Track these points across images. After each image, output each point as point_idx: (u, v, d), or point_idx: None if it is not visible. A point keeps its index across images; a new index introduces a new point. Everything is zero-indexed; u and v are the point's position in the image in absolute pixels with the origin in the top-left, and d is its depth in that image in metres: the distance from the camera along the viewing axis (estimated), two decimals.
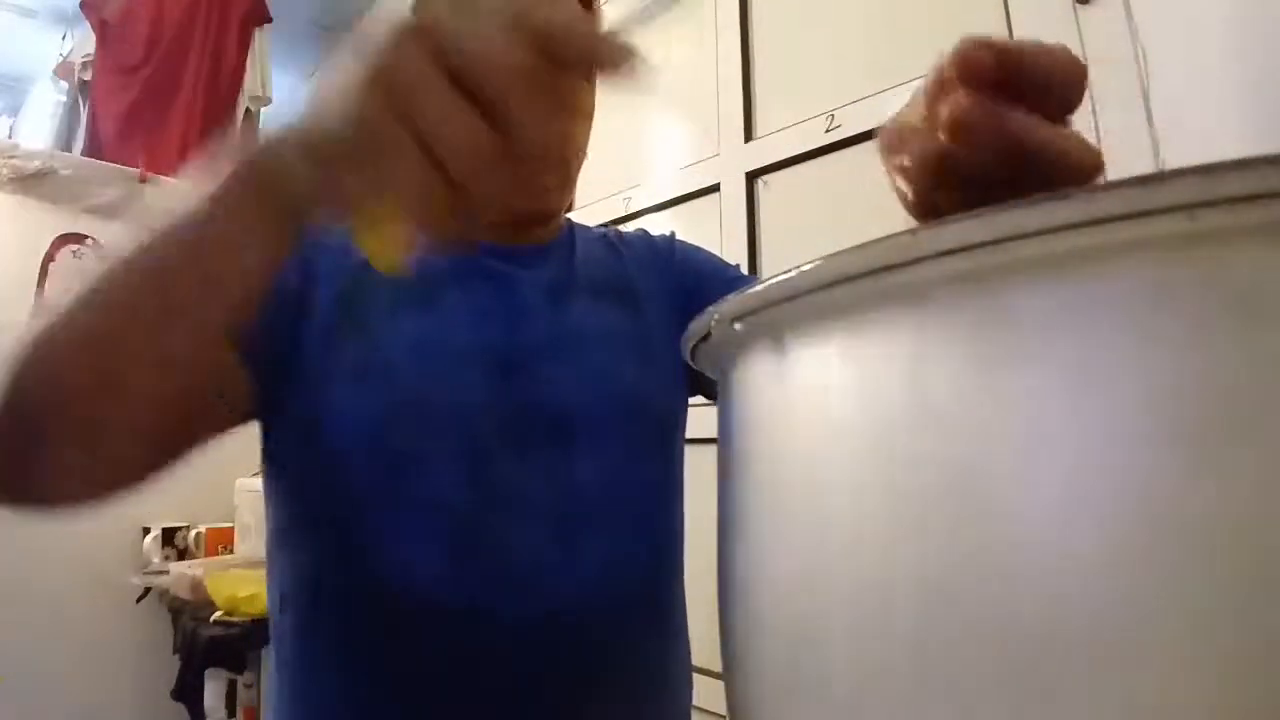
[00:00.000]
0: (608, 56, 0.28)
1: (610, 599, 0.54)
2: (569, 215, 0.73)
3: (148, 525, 2.12)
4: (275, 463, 0.56)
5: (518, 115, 0.27)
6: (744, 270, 1.21)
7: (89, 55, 2.71)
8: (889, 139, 0.31)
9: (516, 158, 0.28)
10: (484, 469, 0.53)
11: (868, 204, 1.05)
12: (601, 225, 0.77)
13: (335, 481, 0.52)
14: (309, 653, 0.54)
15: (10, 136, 3.45)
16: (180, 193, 0.34)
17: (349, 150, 0.27)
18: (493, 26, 0.27)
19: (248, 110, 2.84)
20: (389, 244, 0.28)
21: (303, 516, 0.55)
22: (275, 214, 0.32)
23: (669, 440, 0.64)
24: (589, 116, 0.65)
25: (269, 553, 0.58)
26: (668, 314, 0.66)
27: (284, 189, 0.31)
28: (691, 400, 0.71)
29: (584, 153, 0.65)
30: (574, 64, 0.28)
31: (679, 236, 0.75)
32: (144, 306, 0.35)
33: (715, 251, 0.75)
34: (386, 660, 0.51)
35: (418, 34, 0.27)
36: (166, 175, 2.39)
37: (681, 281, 0.68)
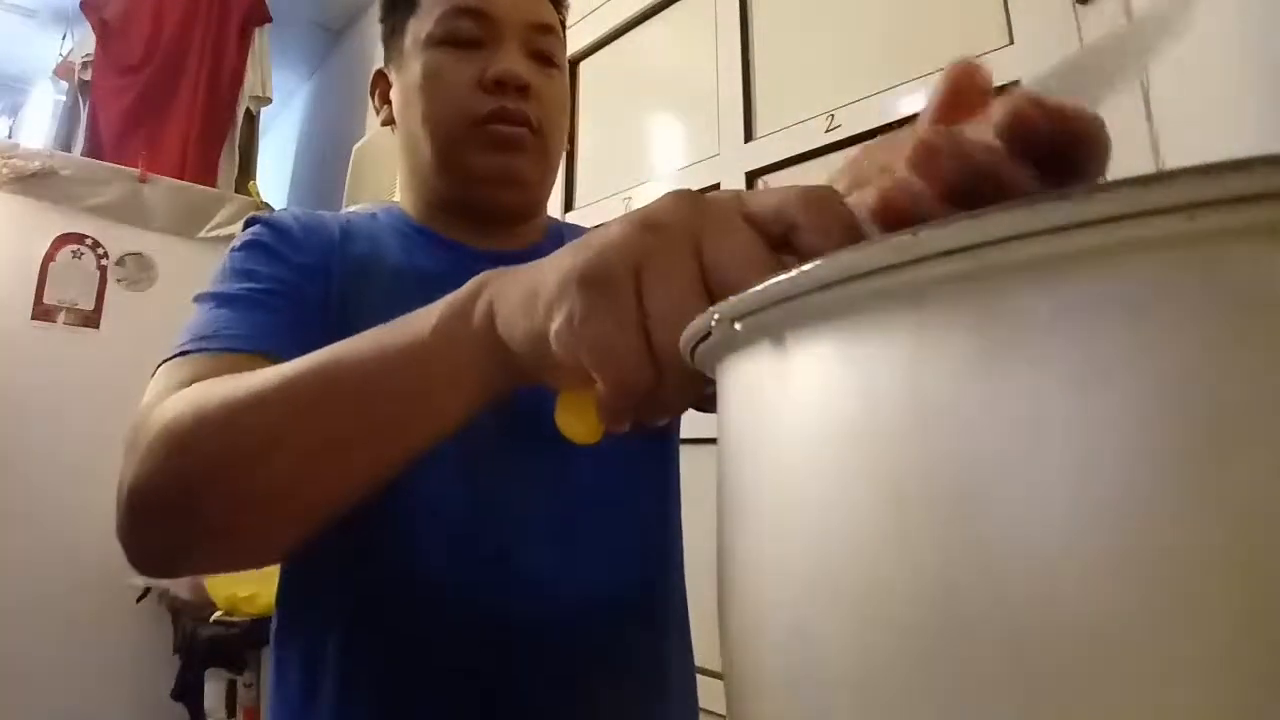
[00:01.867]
0: None
1: (611, 598, 0.55)
2: (562, 219, 0.74)
3: None
4: None
5: None
6: None
7: (89, 55, 2.72)
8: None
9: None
10: (483, 473, 0.53)
11: None
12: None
13: None
14: (308, 653, 0.54)
15: (10, 136, 3.45)
16: (407, 317, 0.35)
17: (574, 338, 0.26)
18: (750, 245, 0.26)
19: (248, 110, 2.84)
20: (583, 421, 0.28)
21: None
22: (489, 363, 0.32)
23: (665, 441, 0.64)
24: (565, 108, 0.66)
25: None
26: None
27: (502, 347, 0.31)
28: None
29: (563, 145, 0.66)
30: None
31: None
32: (343, 415, 0.35)
33: None
34: (386, 661, 0.51)
35: (691, 219, 0.26)
36: (166, 175, 2.39)
37: None
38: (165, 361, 0.47)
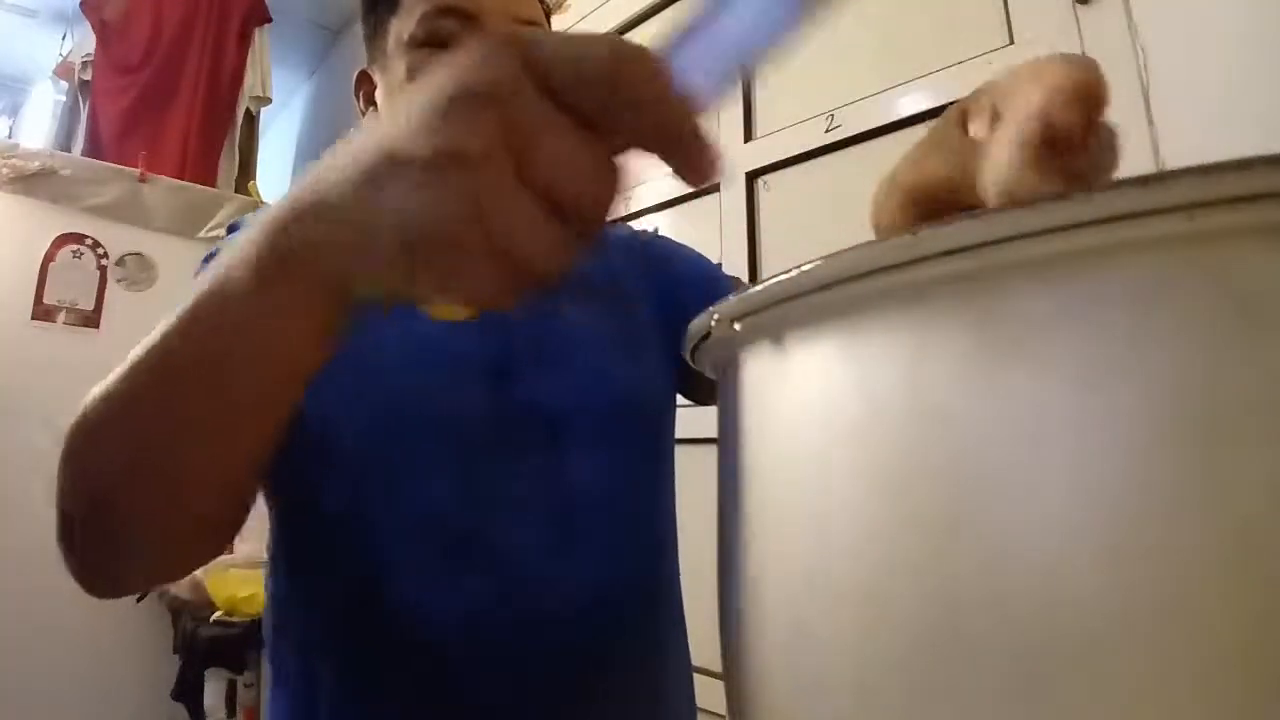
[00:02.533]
0: (689, 142, 0.22)
1: (608, 601, 0.54)
2: None
3: None
4: (271, 466, 0.55)
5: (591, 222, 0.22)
6: (743, 270, 1.21)
7: (89, 55, 2.71)
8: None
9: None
10: (477, 477, 0.52)
11: (868, 204, 1.06)
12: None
13: (328, 490, 0.52)
14: (302, 657, 0.54)
15: (10, 136, 3.45)
16: (215, 266, 0.29)
17: (399, 227, 0.21)
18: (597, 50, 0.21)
19: (248, 110, 2.84)
20: (447, 306, 0.25)
21: (297, 524, 0.55)
22: (316, 291, 0.26)
23: (661, 439, 0.64)
24: None
25: (270, 556, 0.58)
26: (654, 312, 0.65)
27: (320, 267, 0.25)
28: (687, 401, 0.71)
29: None
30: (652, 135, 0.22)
31: (675, 236, 0.75)
32: (192, 394, 0.30)
33: (715, 252, 0.75)
34: (382, 668, 0.51)
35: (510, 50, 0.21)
36: (166, 175, 2.39)
37: (664, 278, 0.68)
38: None
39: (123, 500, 0.34)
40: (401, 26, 0.59)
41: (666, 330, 0.65)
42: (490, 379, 0.54)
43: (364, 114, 0.67)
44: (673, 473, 0.65)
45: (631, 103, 0.21)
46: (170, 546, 0.38)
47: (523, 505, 0.53)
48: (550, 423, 0.55)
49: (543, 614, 0.51)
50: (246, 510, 0.42)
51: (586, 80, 0.21)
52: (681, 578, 0.66)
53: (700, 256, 0.73)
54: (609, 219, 0.23)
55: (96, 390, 0.34)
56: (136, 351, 0.32)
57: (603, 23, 1.64)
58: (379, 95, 0.64)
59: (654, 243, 0.72)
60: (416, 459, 0.51)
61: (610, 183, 0.22)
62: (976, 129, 0.30)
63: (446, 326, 0.55)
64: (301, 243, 0.25)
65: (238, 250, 0.27)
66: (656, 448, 0.63)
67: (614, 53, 0.21)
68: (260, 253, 0.26)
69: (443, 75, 0.22)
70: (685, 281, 0.67)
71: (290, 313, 0.27)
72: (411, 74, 0.58)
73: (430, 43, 0.58)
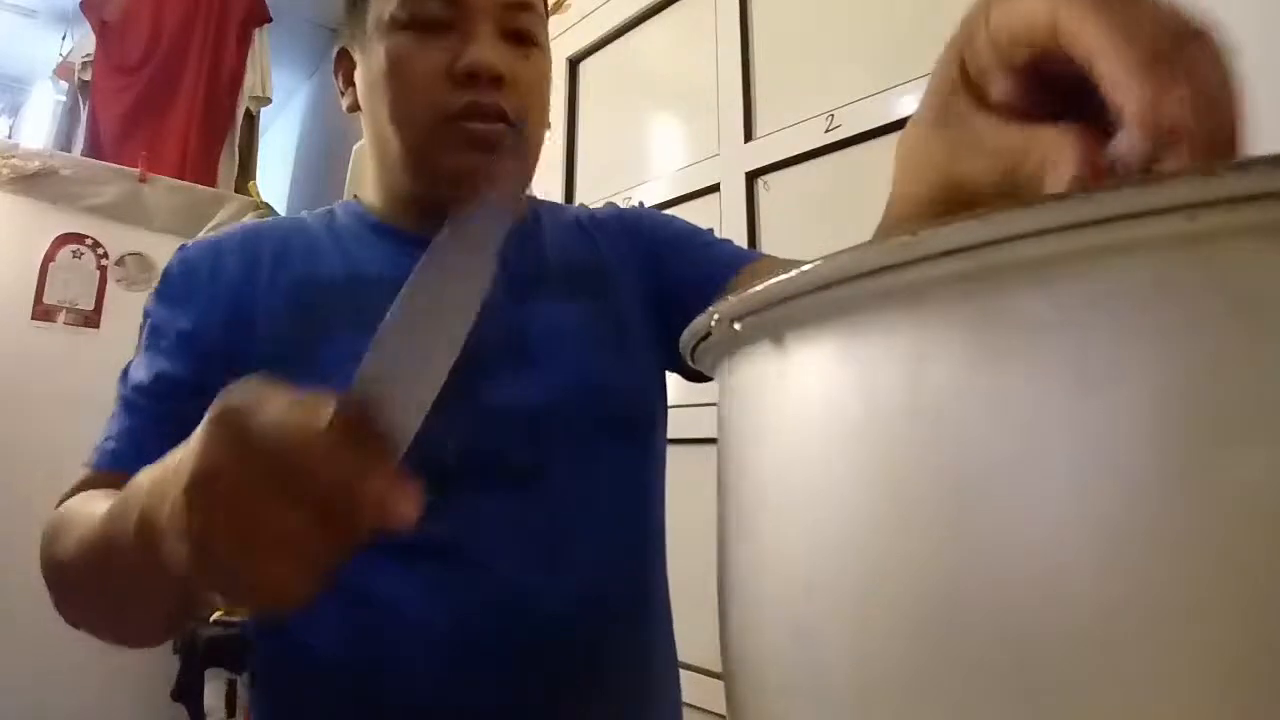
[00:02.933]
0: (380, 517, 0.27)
1: (595, 609, 0.53)
2: (543, 200, 0.69)
3: None
4: None
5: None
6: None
7: (89, 55, 2.71)
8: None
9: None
10: (453, 495, 0.49)
11: (868, 204, 1.06)
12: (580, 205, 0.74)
13: None
14: (287, 678, 0.53)
15: (10, 136, 3.45)
16: (121, 508, 0.37)
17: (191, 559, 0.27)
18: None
19: (248, 110, 2.84)
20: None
21: None
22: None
23: (648, 435, 0.61)
24: (546, 91, 0.60)
25: None
26: (639, 292, 0.63)
27: (164, 557, 0.30)
28: (689, 399, 0.70)
29: (545, 129, 0.60)
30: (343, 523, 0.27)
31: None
32: (120, 590, 0.41)
33: None
34: (369, 691, 0.50)
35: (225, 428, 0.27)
36: (166, 175, 2.39)
37: (652, 249, 0.65)
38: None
39: (82, 622, 0.48)
40: (382, 5, 0.55)
41: (653, 309, 0.62)
42: (458, 385, 0.52)
43: (343, 94, 0.64)
44: (662, 470, 0.63)
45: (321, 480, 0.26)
46: (126, 642, 0.50)
47: (505, 522, 0.51)
48: (527, 428, 0.53)
49: (531, 631, 0.50)
50: (192, 615, 0.50)
51: (294, 469, 0.26)
52: (682, 578, 0.65)
53: (688, 225, 0.69)
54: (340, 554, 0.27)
55: (58, 533, 0.48)
56: (81, 533, 0.43)
57: (603, 23, 1.64)
58: (358, 76, 0.60)
59: (639, 215, 0.70)
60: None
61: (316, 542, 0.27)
62: (1001, 90, 0.23)
63: None
64: (149, 530, 0.31)
65: (126, 506, 0.35)
66: (644, 447, 0.61)
67: (304, 444, 0.26)
68: (132, 526, 0.33)
69: (186, 459, 0.28)
70: (674, 249, 0.65)
71: (162, 570, 0.31)
72: (391, 57, 0.54)
73: (413, 25, 0.54)
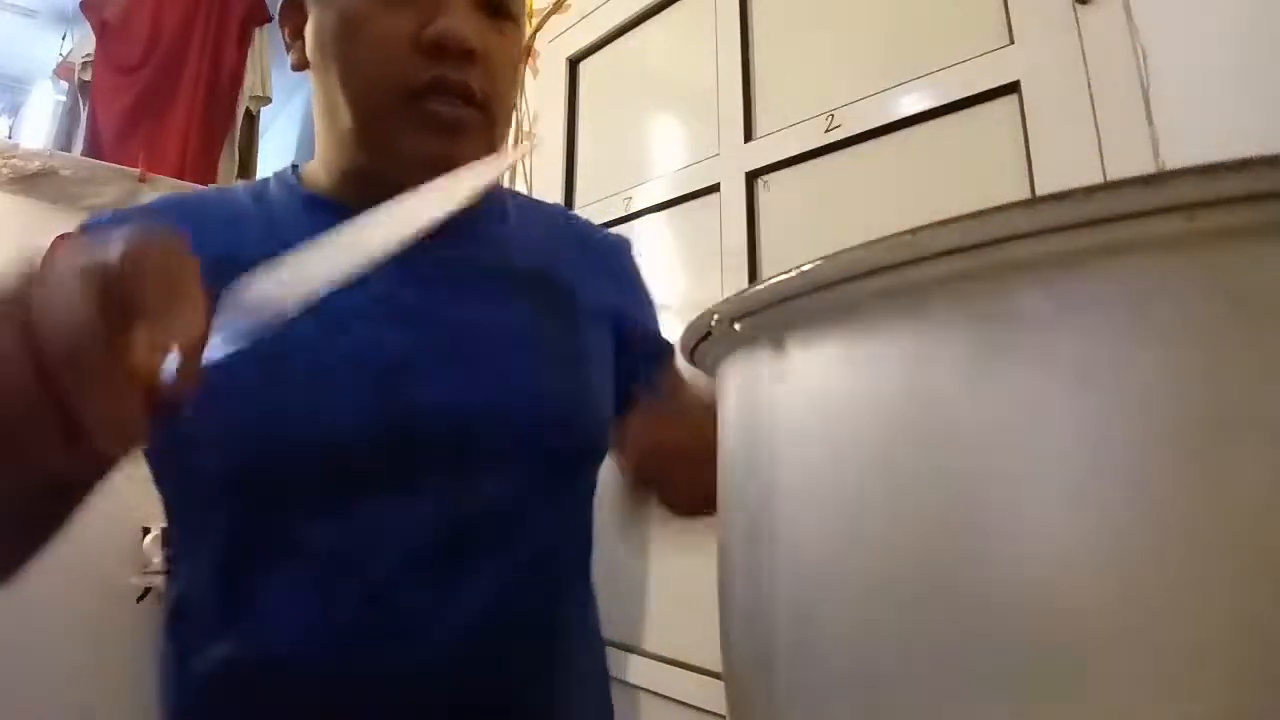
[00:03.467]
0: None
1: (493, 647, 0.47)
2: (518, 194, 0.64)
3: (148, 525, 2.12)
4: (155, 482, 0.49)
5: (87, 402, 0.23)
6: (743, 270, 1.21)
7: (89, 55, 2.71)
8: None
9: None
10: (356, 502, 0.45)
11: (868, 204, 1.06)
12: (604, 223, 0.72)
13: (198, 517, 0.46)
14: (183, 689, 0.48)
15: (10, 136, 3.45)
16: None
17: None
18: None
19: (248, 110, 2.84)
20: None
21: (183, 544, 0.49)
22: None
23: (586, 466, 0.55)
24: (517, 71, 0.53)
25: (167, 568, 0.52)
26: (604, 328, 0.57)
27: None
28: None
29: (512, 112, 0.54)
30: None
31: (675, 236, 0.69)
32: None
33: (715, 252, 0.73)
34: (257, 698, 0.45)
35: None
36: (166, 175, 2.39)
37: (622, 301, 0.60)
38: None
39: None
40: None
41: (611, 339, 0.57)
42: (370, 382, 0.46)
43: (289, 48, 0.55)
44: (594, 493, 0.57)
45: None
46: None
47: (407, 537, 0.46)
48: (446, 437, 0.47)
49: (415, 664, 0.45)
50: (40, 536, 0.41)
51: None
52: (682, 578, 0.64)
53: (650, 293, 0.64)
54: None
55: None
56: None
57: (602, 23, 1.64)
58: (309, 30, 0.52)
59: (628, 254, 0.65)
60: (286, 485, 0.45)
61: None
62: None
63: (320, 318, 0.42)
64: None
65: None
66: (580, 469, 0.54)
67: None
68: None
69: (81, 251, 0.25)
70: (634, 316, 0.60)
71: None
72: (349, 15, 0.48)
73: None
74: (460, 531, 0.47)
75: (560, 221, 0.63)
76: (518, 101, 0.54)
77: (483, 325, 0.50)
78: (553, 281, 0.56)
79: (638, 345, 0.60)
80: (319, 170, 0.55)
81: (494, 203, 0.58)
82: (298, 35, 0.54)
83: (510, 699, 0.47)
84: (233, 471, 0.44)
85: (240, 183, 0.58)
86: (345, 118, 0.50)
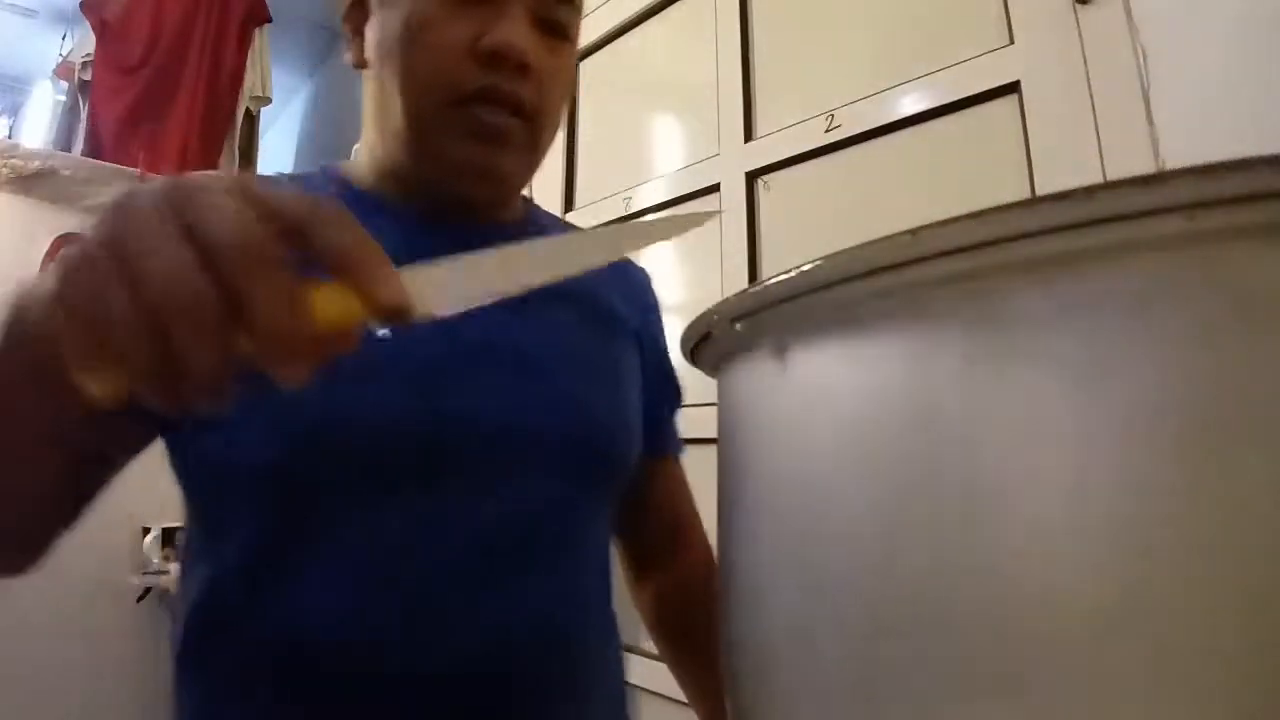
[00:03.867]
0: (366, 266, 0.23)
1: (514, 655, 0.47)
2: (562, 219, 0.66)
3: (148, 525, 2.12)
4: (179, 475, 0.50)
5: (250, 288, 0.22)
6: (743, 270, 1.21)
7: (89, 55, 2.71)
8: None
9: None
10: (390, 501, 0.46)
11: (868, 204, 1.06)
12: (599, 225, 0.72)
13: (235, 509, 0.46)
14: (207, 684, 0.48)
15: (10, 136, 3.45)
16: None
17: (64, 306, 0.22)
18: (234, 199, 0.23)
19: (248, 110, 2.84)
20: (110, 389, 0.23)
21: (206, 539, 0.49)
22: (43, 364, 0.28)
23: (614, 482, 0.55)
24: (568, 91, 0.54)
25: (182, 564, 0.52)
26: (635, 352, 0.58)
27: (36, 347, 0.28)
28: (690, 399, 0.70)
29: (557, 130, 0.55)
30: (323, 256, 0.24)
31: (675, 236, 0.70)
32: None
33: (715, 252, 0.73)
34: (291, 694, 0.45)
35: (154, 194, 0.23)
36: (166, 175, 2.39)
37: (650, 333, 0.61)
38: None
39: None
40: None
41: (642, 380, 0.59)
42: (415, 386, 0.47)
43: (348, 45, 0.56)
44: (614, 508, 0.57)
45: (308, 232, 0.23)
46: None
47: (441, 538, 0.46)
48: (485, 444, 0.47)
49: (443, 653, 0.45)
50: (70, 513, 0.44)
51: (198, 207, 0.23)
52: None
53: (664, 333, 0.66)
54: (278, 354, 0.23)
55: None
56: None
57: (603, 23, 1.64)
58: (370, 29, 0.53)
59: (649, 285, 0.66)
60: (328, 480, 0.46)
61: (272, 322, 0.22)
62: None
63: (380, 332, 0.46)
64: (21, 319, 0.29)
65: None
66: (608, 484, 0.54)
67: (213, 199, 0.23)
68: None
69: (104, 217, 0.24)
70: (658, 334, 0.62)
71: (24, 377, 0.30)
72: (413, 19, 0.49)
73: None
74: (489, 539, 0.47)
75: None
76: (562, 119, 0.55)
77: (523, 336, 0.51)
78: (593, 298, 0.57)
79: (655, 384, 0.62)
80: (365, 168, 0.56)
81: (534, 219, 0.60)
82: (358, 33, 0.55)
83: (532, 710, 0.47)
84: (271, 463, 0.45)
85: (285, 174, 0.58)
86: (396, 119, 0.51)
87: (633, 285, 0.64)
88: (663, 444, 0.65)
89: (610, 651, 0.56)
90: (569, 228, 0.68)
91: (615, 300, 0.59)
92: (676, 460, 0.67)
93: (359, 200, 0.53)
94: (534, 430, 0.49)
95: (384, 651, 0.44)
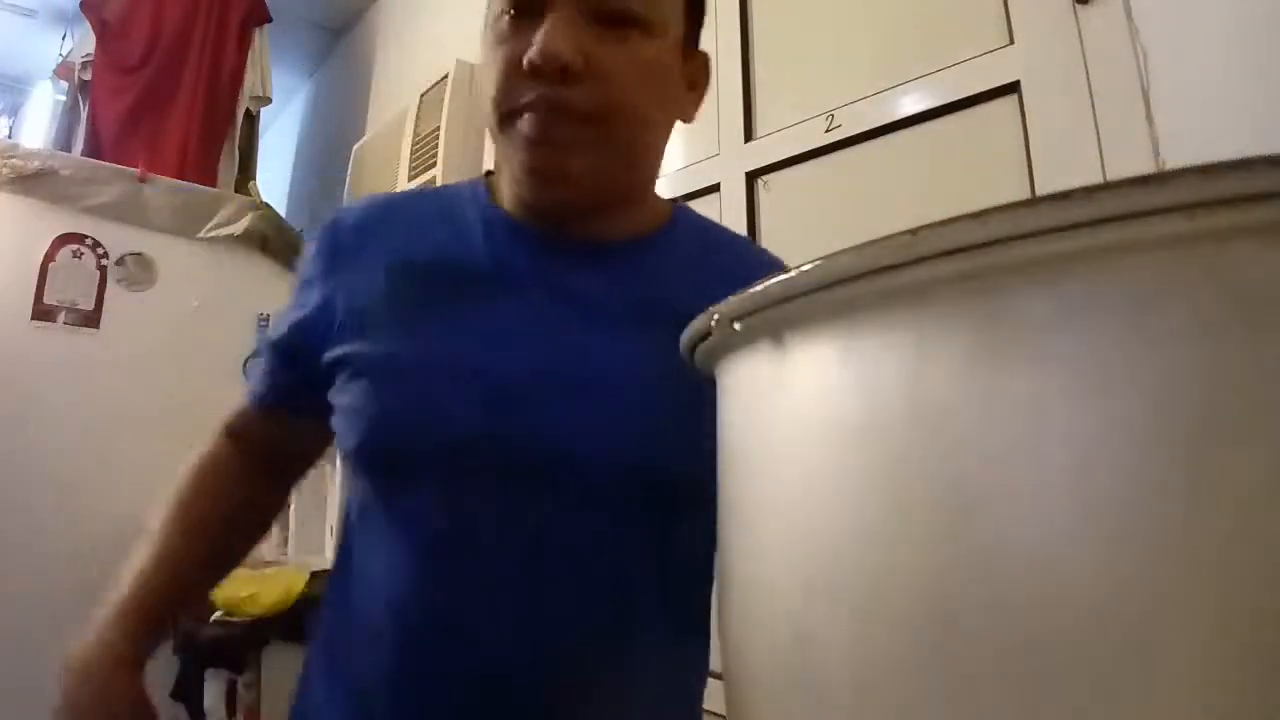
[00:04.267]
0: None
1: (545, 665, 0.48)
2: (699, 217, 0.63)
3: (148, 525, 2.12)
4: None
5: None
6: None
7: (89, 55, 2.71)
8: None
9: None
10: (461, 495, 0.48)
11: (868, 204, 1.06)
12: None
13: (350, 474, 0.54)
14: (318, 638, 0.57)
15: (10, 136, 3.45)
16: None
17: None
18: None
19: (248, 110, 2.84)
20: None
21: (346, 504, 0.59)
22: None
23: (680, 511, 0.51)
24: (643, 78, 0.50)
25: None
26: None
27: None
28: None
29: (646, 120, 0.52)
30: None
31: None
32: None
33: None
34: (343, 668, 0.52)
35: None
36: (166, 175, 2.39)
37: None
38: None
39: None
40: None
41: None
42: (496, 399, 0.49)
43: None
44: (696, 546, 0.51)
45: None
46: None
47: (495, 541, 0.48)
48: (544, 462, 0.48)
49: (488, 654, 0.48)
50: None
51: None
52: None
53: None
54: None
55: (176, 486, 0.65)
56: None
57: None
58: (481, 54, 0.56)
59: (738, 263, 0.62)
60: (411, 461, 0.50)
61: None
62: None
63: (469, 332, 0.50)
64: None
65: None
66: (671, 512, 0.51)
67: None
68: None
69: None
70: None
71: None
72: (487, 46, 0.52)
73: (508, 10, 0.49)
74: (544, 550, 0.48)
75: (729, 256, 0.61)
76: (654, 108, 0.52)
77: (600, 357, 0.51)
78: (685, 320, 0.52)
79: None
80: (499, 181, 0.58)
81: (673, 231, 0.59)
82: None
83: (578, 709, 0.49)
84: (353, 449, 0.51)
85: (440, 187, 0.63)
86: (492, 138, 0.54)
87: (719, 276, 0.60)
88: None
89: (668, 672, 0.54)
90: (712, 232, 0.64)
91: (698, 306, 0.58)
92: None
93: (492, 226, 0.56)
94: (589, 456, 0.49)
95: (430, 640, 0.48)
